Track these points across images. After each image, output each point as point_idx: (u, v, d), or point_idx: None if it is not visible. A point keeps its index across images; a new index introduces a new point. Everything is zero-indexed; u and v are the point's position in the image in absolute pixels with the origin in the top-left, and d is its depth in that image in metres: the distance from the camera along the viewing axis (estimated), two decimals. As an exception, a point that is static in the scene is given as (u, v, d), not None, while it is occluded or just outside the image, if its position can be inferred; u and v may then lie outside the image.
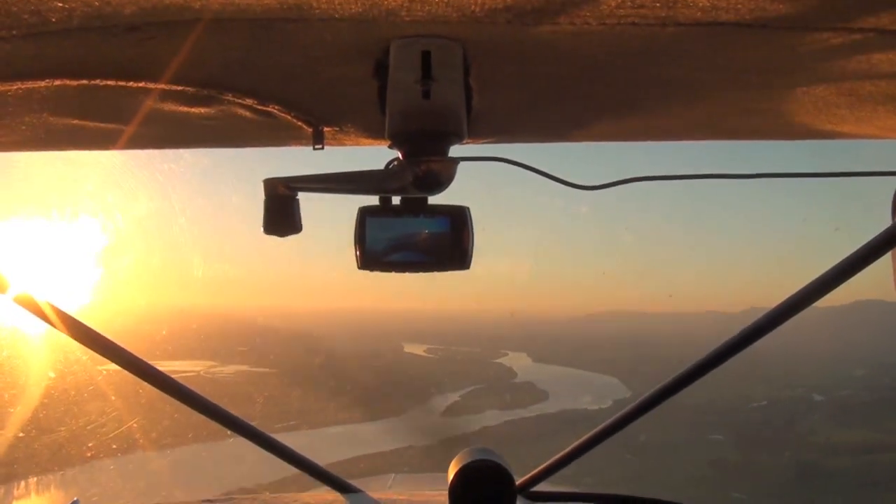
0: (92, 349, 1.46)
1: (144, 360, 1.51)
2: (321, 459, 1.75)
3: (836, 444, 32.16)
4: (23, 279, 1.39)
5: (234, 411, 1.62)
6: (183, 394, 1.55)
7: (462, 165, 1.23)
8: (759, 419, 37.81)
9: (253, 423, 1.64)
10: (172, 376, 1.56)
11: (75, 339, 1.44)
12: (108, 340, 1.47)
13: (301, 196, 1.25)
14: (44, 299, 1.41)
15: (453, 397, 39.23)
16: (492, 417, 33.80)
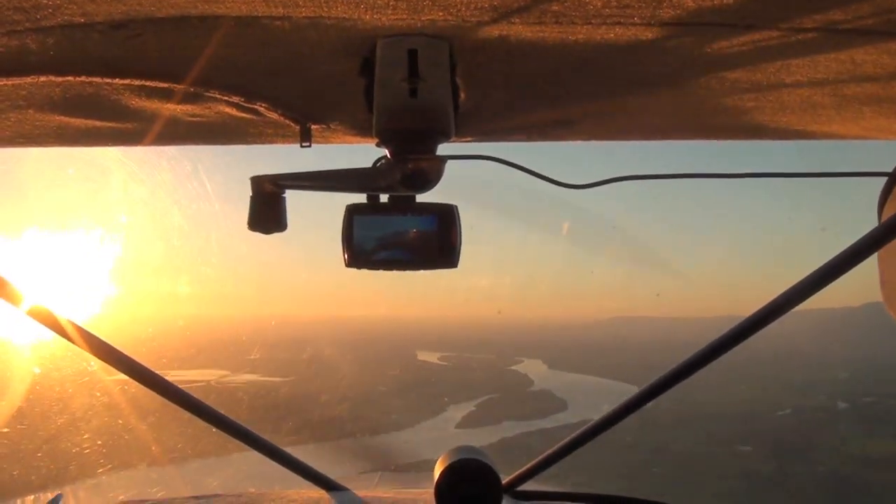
0: (98, 357, 1.48)
1: (152, 369, 1.53)
2: (329, 473, 1.77)
3: (872, 456, 31.44)
4: (27, 288, 1.41)
5: (246, 423, 1.64)
6: (189, 403, 1.58)
7: (450, 165, 1.24)
8: (787, 428, 37.16)
9: (241, 422, 1.65)
10: (180, 386, 1.58)
11: (80, 346, 1.45)
12: (114, 348, 1.49)
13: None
14: (50, 308, 1.42)
15: (468, 407, 39.07)
16: (510, 429, 33.41)
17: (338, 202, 1.28)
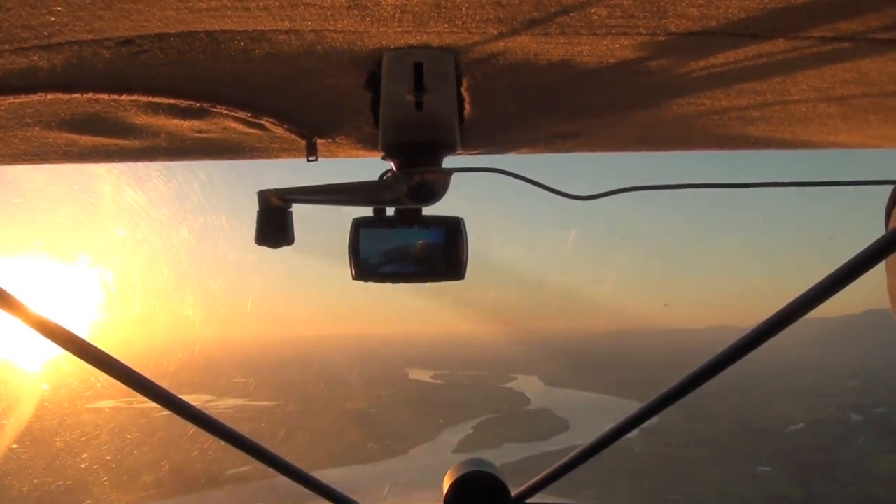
0: (105, 372, 1.46)
1: (159, 384, 1.53)
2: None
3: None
4: (33, 302, 1.40)
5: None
6: (194, 416, 1.58)
7: (456, 178, 1.29)
8: (803, 445, 36.84)
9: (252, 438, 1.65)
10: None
11: (87, 361, 1.43)
12: (120, 362, 1.47)
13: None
14: (55, 321, 1.41)
15: (465, 430, 38.77)
16: (511, 452, 32.35)
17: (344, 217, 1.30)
